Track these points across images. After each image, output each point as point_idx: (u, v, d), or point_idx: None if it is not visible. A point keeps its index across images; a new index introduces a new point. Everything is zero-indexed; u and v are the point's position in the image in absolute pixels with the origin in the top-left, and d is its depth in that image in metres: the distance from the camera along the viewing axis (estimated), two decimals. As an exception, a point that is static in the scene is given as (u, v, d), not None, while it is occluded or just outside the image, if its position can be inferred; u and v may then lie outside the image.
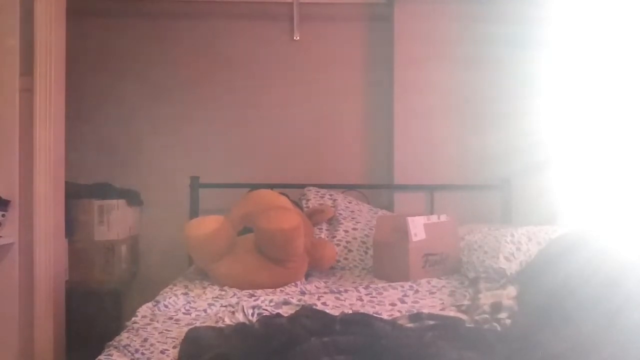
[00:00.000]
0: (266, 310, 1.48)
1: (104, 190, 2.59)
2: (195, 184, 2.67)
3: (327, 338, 1.10)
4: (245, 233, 2.00)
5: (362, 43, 2.94)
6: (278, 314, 1.39)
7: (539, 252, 1.76)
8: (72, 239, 2.43)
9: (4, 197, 1.96)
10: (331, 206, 2.52)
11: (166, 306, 1.60)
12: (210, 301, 1.68)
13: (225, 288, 1.84)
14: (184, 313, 1.56)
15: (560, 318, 1.21)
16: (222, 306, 1.61)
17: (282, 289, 1.83)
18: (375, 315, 1.39)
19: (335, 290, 1.80)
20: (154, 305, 1.60)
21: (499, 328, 1.32)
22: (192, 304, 1.64)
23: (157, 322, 1.45)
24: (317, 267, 2.11)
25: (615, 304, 1.14)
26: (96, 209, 2.49)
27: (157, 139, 2.85)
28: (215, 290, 1.83)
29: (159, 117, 2.86)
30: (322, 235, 2.38)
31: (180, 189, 2.70)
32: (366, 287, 1.81)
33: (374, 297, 1.72)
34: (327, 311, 1.42)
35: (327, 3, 2.90)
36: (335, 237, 2.35)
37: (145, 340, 1.28)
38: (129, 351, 1.21)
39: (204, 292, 1.79)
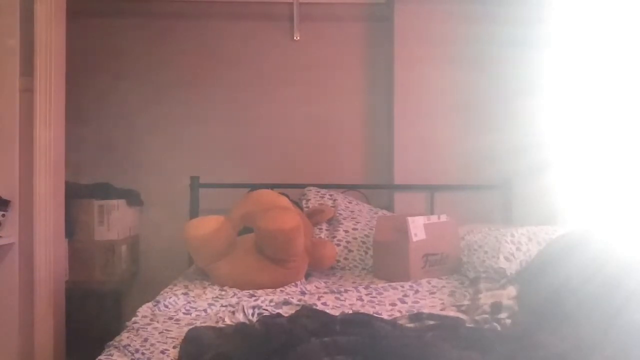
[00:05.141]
0: (266, 310, 1.48)
1: (104, 190, 2.60)
2: (195, 184, 2.67)
3: (327, 338, 1.10)
4: (245, 233, 2.00)
5: (362, 43, 2.94)
6: (278, 314, 1.39)
7: (539, 252, 1.75)
8: (72, 239, 2.43)
9: (4, 197, 1.96)
10: (331, 206, 2.52)
11: (166, 306, 1.60)
12: (210, 301, 1.67)
13: (226, 288, 1.84)
14: (184, 313, 1.56)
15: (560, 318, 1.21)
16: (222, 306, 1.61)
17: (282, 289, 1.83)
18: (375, 315, 1.39)
19: (335, 290, 1.79)
20: (154, 305, 1.60)
21: (499, 328, 1.32)
22: (192, 304, 1.64)
23: (157, 322, 1.45)
24: (317, 267, 2.11)
25: (615, 305, 1.13)
26: (96, 209, 2.49)
27: (157, 139, 2.86)
28: (215, 290, 1.83)
29: (159, 117, 2.86)
30: (322, 235, 2.38)
31: (180, 189, 2.70)
32: (366, 287, 1.81)
33: (374, 297, 1.72)
34: (327, 311, 1.42)
35: (327, 3, 2.90)
36: (335, 237, 2.35)
37: (146, 340, 1.28)
38: (129, 351, 1.21)
39: (204, 292, 1.79)
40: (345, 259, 2.30)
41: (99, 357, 1.18)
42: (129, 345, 1.24)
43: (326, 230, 2.42)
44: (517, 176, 2.63)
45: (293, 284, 1.89)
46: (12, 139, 1.99)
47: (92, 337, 1.64)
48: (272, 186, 2.46)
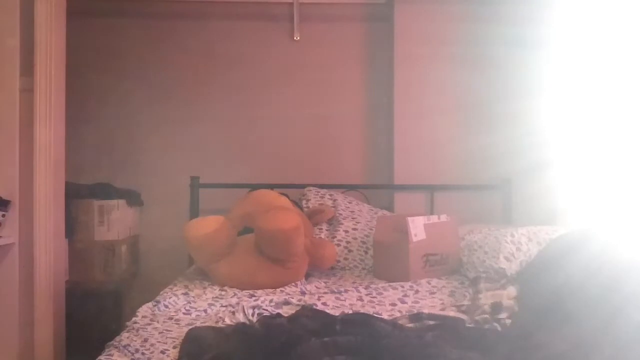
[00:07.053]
0: (266, 310, 1.48)
1: (104, 190, 2.60)
2: (195, 184, 2.67)
3: (327, 338, 1.10)
4: (246, 233, 2.00)
5: (362, 43, 2.94)
6: (278, 314, 1.39)
7: (539, 252, 1.75)
8: (72, 239, 2.43)
9: (4, 197, 1.96)
10: (331, 206, 2.52)
11: (166, 306, 1.60)
12: (210, 301, 1.68)
13: (226, 288, 1.84)
14: (184, 313, 1.56)
15: (560, 318, 1.21)
16: (222, 306, 1.61)
17: (282, 289, 1.83)
18: (375, 315, 1.39)
19: (335, 290, 1.79)
20: (154, 305, 1.60)
21: (499, 328, 1.32)
22: (192, 304, 1.64)
23: (157, 322, 1.45)
24: (317, 267, 2.11)
25: (615, 305, 1.13)
26: (96, 209, 2.49)
27: (157, 139, 2.86)
28: (215, 290, 1.83)
29: (159, 117, 2.86)
30: (322, 235, 2.38)
31: (180, 189, 2.70)
32: (366, 287, 1.81)
33: (374, 297, 1.72)
34: (327, 311, 1.42)
35: (327, 3, 2.90)
36: (335, 237, 2.35)
37: (146, 340, 1.28)
38: (129, 351, 1.21)
39: (204, 292, 1.79)
40: (345, 259, 2.30)
41: (99, 357, 1.18)
42: (129, 345, 1.24)
43: (326, 230, 2.41)
44: (517, 176, 2.63)
45: (293, 284, 1.89)
46: (12, 139, 2.00)
47: (92, 337, 1.65)
48: (272, 186, 2.46)
